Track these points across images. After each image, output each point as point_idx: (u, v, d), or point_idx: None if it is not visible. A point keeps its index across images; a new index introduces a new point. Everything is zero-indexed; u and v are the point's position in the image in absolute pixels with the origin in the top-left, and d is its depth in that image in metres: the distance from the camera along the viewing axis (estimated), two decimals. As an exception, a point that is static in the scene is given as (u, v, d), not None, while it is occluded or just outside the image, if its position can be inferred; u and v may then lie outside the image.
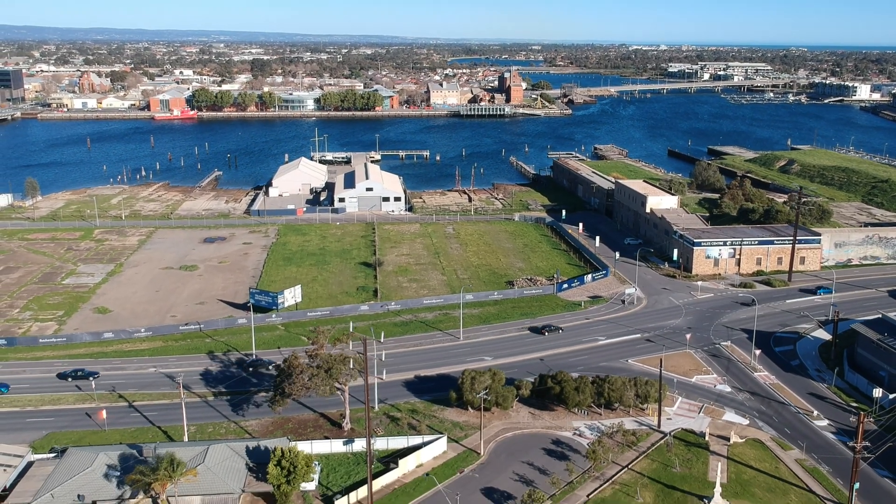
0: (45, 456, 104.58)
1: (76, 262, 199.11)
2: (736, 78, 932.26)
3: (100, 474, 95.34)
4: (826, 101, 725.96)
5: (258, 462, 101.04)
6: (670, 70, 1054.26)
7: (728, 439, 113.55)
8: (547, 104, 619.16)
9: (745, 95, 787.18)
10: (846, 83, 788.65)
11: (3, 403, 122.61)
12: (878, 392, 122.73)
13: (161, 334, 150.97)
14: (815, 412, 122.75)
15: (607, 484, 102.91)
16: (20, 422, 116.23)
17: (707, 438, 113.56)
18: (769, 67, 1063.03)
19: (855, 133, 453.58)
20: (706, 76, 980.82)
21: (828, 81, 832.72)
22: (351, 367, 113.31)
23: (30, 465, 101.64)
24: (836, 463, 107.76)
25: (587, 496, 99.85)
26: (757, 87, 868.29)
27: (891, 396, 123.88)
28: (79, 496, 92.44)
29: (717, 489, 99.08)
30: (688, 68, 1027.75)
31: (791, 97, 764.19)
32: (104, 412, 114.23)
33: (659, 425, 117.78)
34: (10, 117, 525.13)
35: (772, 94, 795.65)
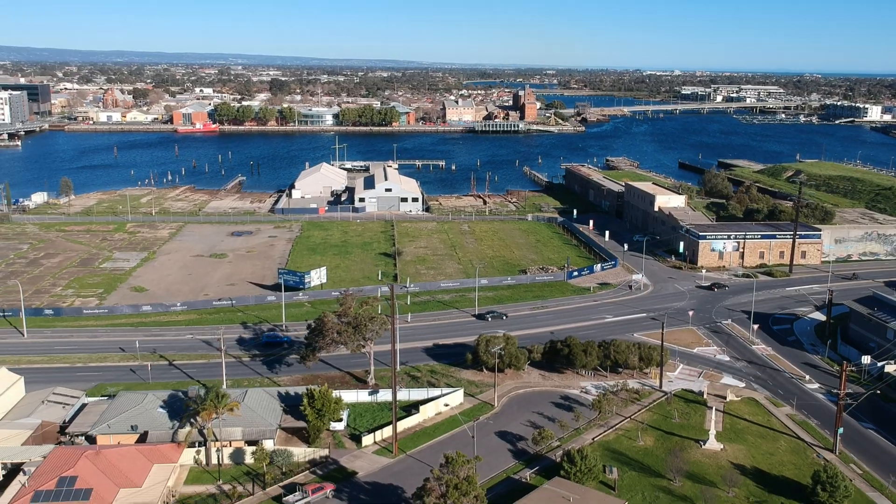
0: (97, 399, 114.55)
1: (111, 250, 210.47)
2: (748, 100, 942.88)
3: (150, 409, 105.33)
4: (837, 121, 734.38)
5: (291, 405, 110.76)
6: (683, 92, 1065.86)
7: (724, 398, 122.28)
8: (560, 121, 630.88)
9: (756, 116, 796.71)
10: (857, 105, 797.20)
11: (55, 360, 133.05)
12: (866, 360, 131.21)
13: (196, 308, 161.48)
14: (807, 377, 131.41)
15: (611, 430, 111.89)
16: (71, 375, 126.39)
17: (705, 396, 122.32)
18: (782, 91, 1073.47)
19: (863, 149, 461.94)
20: (719, 98, 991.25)
21: (839, 103, 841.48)
22: (377, 325, 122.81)
23: (84, 406, 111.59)
24: (824, 418, 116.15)
25: (592, 439, 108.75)
26: (769, 108, 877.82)
27: (879, 364, 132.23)
28: (132, 426, 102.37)
29: (712, 432, 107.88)
30: (701, 91, 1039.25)
31: (802, 118, 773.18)
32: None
33: (661, 386, 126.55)
34: (38, 129, 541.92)
35: (783, 116, 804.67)
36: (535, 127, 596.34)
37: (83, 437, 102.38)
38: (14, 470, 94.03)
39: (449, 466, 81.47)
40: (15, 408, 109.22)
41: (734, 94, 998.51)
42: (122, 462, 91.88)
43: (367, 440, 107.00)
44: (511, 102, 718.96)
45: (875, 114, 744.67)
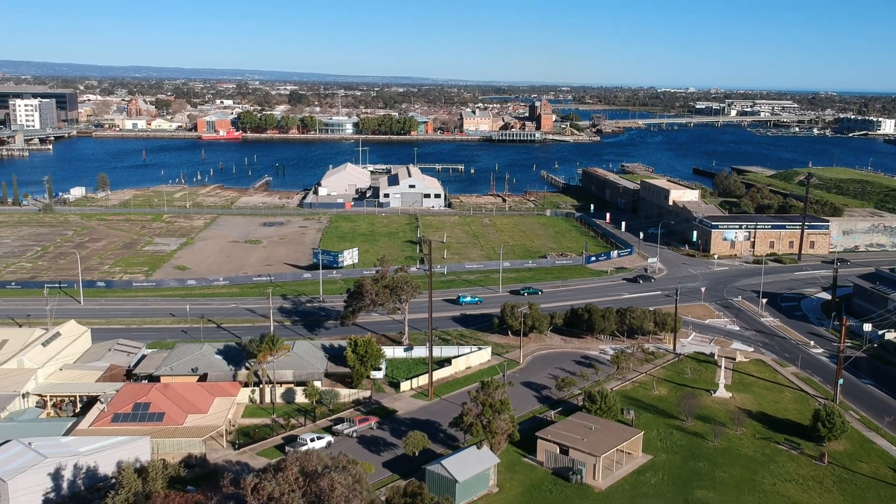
0: (157, 350, 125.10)
1: (151, 236, 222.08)
2: (762, 114, 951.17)
3: (208, 355, 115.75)
4: (850, 134, 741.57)
5: (334, 355, 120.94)
6: (697, 107, 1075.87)
7: (734, 359, 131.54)
8: (576, 132, 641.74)
9: (770, 129, 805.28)
10: (871, 118, 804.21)
11: (112, 322, 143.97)
12: (867, 327, 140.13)
13: (237, 283, 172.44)
14: (812, 342, 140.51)
15: (628, 382, 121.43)
16: (128, 334, 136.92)
17: (716, 357, 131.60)
18: (796, 106, 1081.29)
19: (875, 157, 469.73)
20: (733, 112, 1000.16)
21: (853, 117, 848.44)
22: (412, 288, 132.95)
23: (144, 356, 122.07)
24: (826, 375, 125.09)
25: (611, 389, 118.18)
26: (783, 122, 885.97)
27: (879, 332, 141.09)
28: (192, 369, 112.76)
29: (721, 383, 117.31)
30: (715, 106, 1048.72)
31: (816, 131, 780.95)
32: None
33: (674, 349, 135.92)
34: (67, 135, 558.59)
35: (797, 129, 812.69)
36: (550, 136, 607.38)
37: (147, 379, 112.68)
38: (91, 401, 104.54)
39: (485, 389, 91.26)
40: (85, 354, 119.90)
41: (748, 109, 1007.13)
42: (188, 393, 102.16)
43: (405, 386, 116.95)
44: (527, 114, 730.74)
45: (889, 127, 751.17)
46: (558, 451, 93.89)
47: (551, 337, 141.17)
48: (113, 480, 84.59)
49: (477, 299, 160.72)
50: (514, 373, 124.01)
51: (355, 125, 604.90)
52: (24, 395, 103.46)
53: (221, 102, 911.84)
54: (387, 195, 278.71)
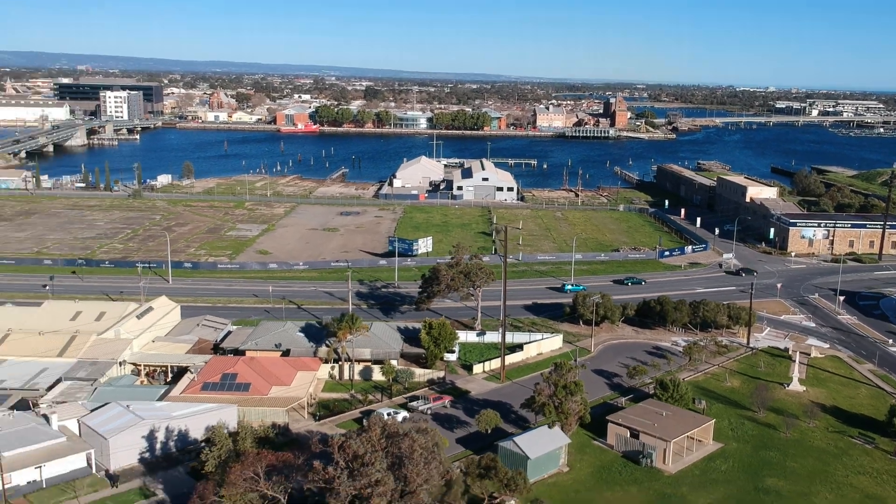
0: (242, 326, 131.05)
1: (234, 222, 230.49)
2: (845, 114, 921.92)
3: (291, 332, 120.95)
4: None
5: (409, 337, 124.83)
6: (777, 106, 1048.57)
7: (809, 354, 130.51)
8: (651, 129, 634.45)
9: (853, 129, 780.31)
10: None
11: (199, 300, 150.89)
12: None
13: (316, 268, 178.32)
14: (890, 341, 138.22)
15: (700, 373, 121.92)
16: (214, 311, 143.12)
17: (790, 352, 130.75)
18: (881, 106, 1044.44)
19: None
20: (814, 112, 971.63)
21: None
22: (486, 274, 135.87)
23: (230, 332, 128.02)
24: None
25: (682, 379, 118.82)
26: (867, 123, 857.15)
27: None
28: (276, 345, 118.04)
29: (795, 376, 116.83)
30: (796, 105, 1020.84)
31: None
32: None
33: (748, 343, 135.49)
34: (153, 125, 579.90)
35: (882, 129, 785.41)
36: (625, 133, 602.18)
37: (233, 353, 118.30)
38: (181, 371, 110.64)
39: (558, 370, 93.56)
40: (175, 328, 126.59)
41: (830, 109, 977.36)
42: (272, 367, 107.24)
43: (478, 369, 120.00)
44: (601, 111, 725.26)
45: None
46: (629, 435, 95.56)
47: (622, 327, 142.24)
48: (202, 444, 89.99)
49: (581, 287, 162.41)
50: (585, 361, 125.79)
51: (429, 120, 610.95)
52: (120, 363, 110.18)
53: (299, 97, 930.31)
54: (460, 187, 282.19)
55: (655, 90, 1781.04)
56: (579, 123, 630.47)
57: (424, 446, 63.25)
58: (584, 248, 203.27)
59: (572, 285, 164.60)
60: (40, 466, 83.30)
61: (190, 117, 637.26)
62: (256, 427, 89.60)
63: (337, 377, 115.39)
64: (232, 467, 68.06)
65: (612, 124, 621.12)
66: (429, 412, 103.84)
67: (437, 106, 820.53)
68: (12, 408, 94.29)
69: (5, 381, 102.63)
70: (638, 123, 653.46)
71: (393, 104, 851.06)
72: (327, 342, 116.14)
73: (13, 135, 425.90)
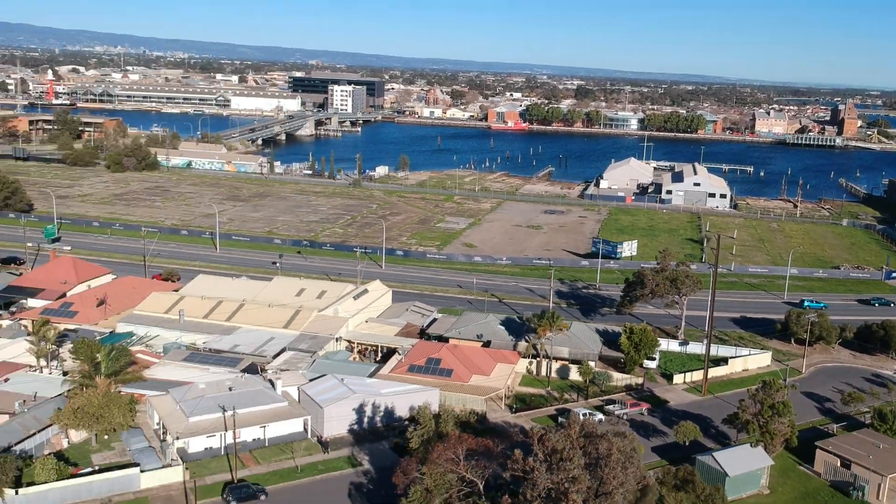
0: (446, 315, 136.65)
1: (443, 214, 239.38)
2: None
3: (492, 324, 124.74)
4: None
5: (608, 339, 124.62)
6: None
7: None
8: (884, 139, 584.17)
9: None
10: None
11: (407, 286, 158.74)
12: None
13: (518, 264, 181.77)
14: None
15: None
16: (419, 298, 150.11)
17: None
18: None
19: None
20: None
21: None
22: (692, 281, 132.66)
23: (435, 319, 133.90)
24: None
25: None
26: None
27: None
28: (478, 335, 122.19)
29: None
30: None
31: None
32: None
33: None
34: (373, 119, 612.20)
35: None
36: (853, 143, 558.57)
37: (437, 339, 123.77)
38: (390, 352, 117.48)
39: (766, 388, 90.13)
40: (386, 311, 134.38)
41: None
42: (473, 356, 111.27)
43: (678, 379, 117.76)
44: (828, 117, 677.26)
45: None
46: (839, 464, 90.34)
47: (839, 350, 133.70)
48: (406, 422, 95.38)
49: (822, 304, 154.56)
50: (795, 381, 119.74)
51: (640, 121, 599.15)
52: (337, 339, 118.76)
53: (511, 95, 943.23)
54: (669, 192, 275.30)
55: (892, 97, 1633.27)
56: (802, 130, 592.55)
57: (622, 450, 63.81)
58: (801, 263, 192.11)
59: (812, 301, 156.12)
60: (265, 426, 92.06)
61: (407, 112, 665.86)
62: (458, 412, 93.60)
63: (534, 373, 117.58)
64: (435, 447, 72.02)
65: (840, 132, 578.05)
66: (625, 417, 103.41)
67: (650, 107, 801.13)
68: (244, 371, 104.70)
69: (239, 346, 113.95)
70: (869, 133, 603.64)
71: (604, 104, 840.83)
72: (527, 337, 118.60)
73: (252, 123, 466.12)
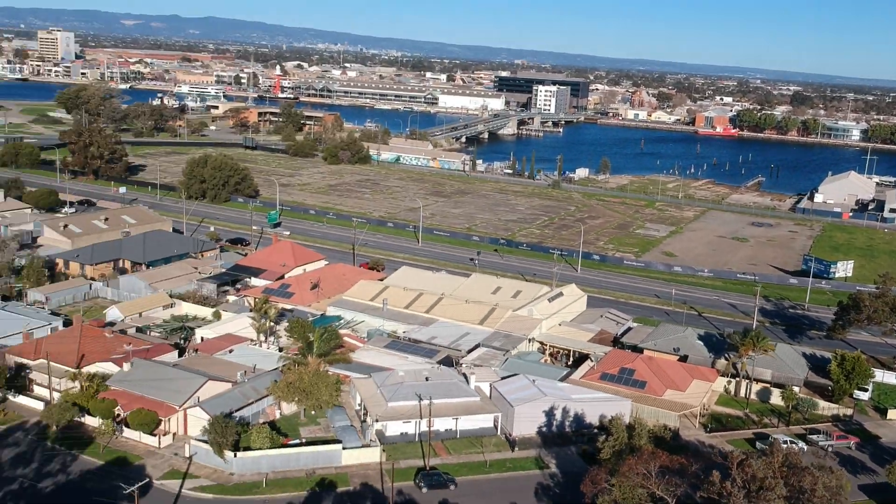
0: (642, 325, 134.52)
1: (643, 220, 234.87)
2: None
3: (690, 339, 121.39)
4: None
5: (815, 365, 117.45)
6: None
7: None
8: None
9: None
10: None
11: (603, 292, 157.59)
12: None
13: (721, 277, 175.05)
14: None
15: None
16: (615, 305, 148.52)
17: None
18: None
19: None
20: None
21: None
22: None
23: (630, 328, 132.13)
24: None
25: None
26: None
27: None
28: (674, 349, 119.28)
29: None
30: None
31: None
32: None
33: None
34: (575, 120, 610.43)
35: None
36: None
37: (631, 349, 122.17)
38: (581, 357, 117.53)
39: None
40: (580, 316, 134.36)
41: None
42: (668, 369, 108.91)
43: (893, 414, 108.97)
44: None
45: None
46: None
47: None
48: (595, 430, 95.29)
49: None
50: None
51: (863, 132, 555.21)
52: (529, 340, 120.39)
53: (721, 99, 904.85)
54: (893, 210, 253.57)
55: None
56: None
57: (828, 485, 60.51)
58: None
59: None
60: (457, 418, 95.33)
61: (611, 114, 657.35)
62: (651, 426, 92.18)
63: (732, 393, 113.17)
64: (626, 460, 71.64)
65: None
66: (830, 449, 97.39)
67: (875, 117, 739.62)
68: (439, 362, 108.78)
69: (436, 337, 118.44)
70: None
71: (822, 112, 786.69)
72: (727, 355, 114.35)
73: (457, 121, 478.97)
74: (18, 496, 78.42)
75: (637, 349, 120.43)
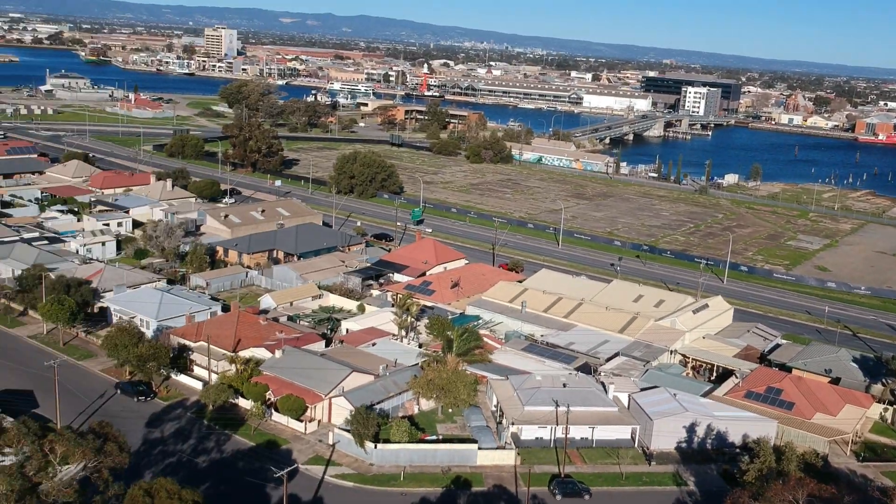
0: (791, 342, 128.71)
1: (795, 231, 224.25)
2: None
3: (843, 361, 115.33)
4: None
5: None
6: None
7: None
8: None
9: None
10: None
11: (749, 305, 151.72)
12: None
13: (879, 296, 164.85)
14: None
15: None
16: (761, 319, 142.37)
17: None
18: None
19: None
20: None
21: None
22: None
23: (778, 345, 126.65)
24: None
25: None
26: None
27: None
28: (826, 370, 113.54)
29: None
30: None
31: None
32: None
33: None
34: (725, 123, 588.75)
35: None
36: None
37: (779, 367, 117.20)
38: (725, 373, 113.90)
39: None
40: (725, 329, 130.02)
41: None
42: (819, 391, 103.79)
43: None
44: None
45: None
46: None
47: None
48: (737, 450, 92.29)
49: None
50: None
51: None
52: (671, 352, 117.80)
53: (885, 104, 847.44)
54: None
55: None
56: None
57: None
58: None
59: None
60: (593, 427, 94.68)
61: (763, 118, 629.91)
62: (801, 451, 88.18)
63: (889, 421, 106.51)
64: (772, 485, 69.12)
65: None
66: None
67: None
68: (577, 369, 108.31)
69: (574, 343, 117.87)
70: None
71: None
72: (885, 380, 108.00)
73: (602, 122, 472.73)
74: (177, 469, 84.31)
75: (785, 368, 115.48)
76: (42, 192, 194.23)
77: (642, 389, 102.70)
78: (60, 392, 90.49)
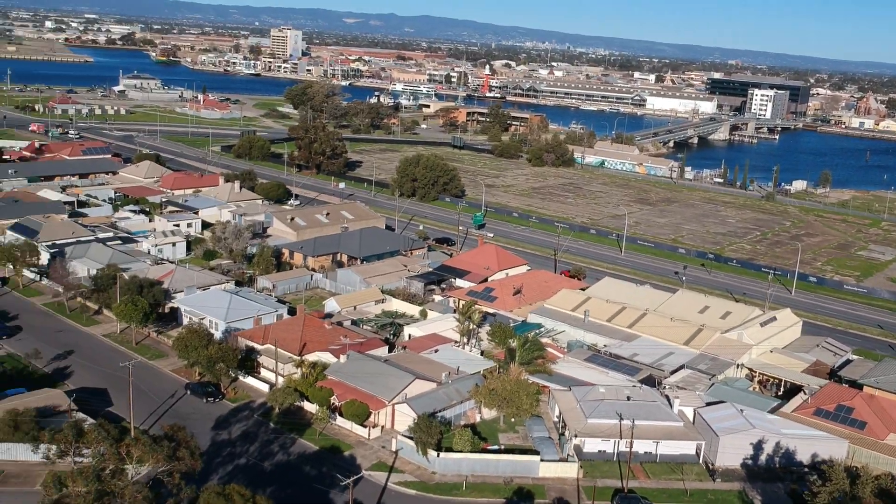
0: (862, 358, 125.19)
1: (866, 241, 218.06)
2: None
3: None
4: None
5: None
6: None
7: None
8: None
9: None
10: None
11: (818, 318, 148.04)
12: None
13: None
14: None
15: None
16: (834, 334, 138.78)
17: None
18: None
19: None
20: None
21: None
22: None
23: (849, 360, 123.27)
24: None
25: None
26: None
27: None
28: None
29: None
30: None
31: None
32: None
33: None
34: (793, 126, 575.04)
35: None
36: None
37: (850, 384, 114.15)
38: (794, 389, 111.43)
39: None
40: (793, 343, 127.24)
41: None
42: (893, 411, 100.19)
43: None
44: None
45: None
46: None
47: None
48: (805, 469, 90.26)
49: None
50: None
51: None
52: (738, 365, 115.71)
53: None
54: None
55: None
56: None
57: None
58: None
59: None
60: (657, 442, 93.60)
61: (833, 121, 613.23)
62: (876, 475, 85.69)
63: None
64: (844, 508, 67.38)
65: None
66: None
67: None
68: (641, 381, 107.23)
69: (638, 355, 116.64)
70: None
71: None
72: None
73: (666, 124, 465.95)
74: (244, 471, 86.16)
75: (856, 385, 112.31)
76: (115, 193, 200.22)
77: (708, 404, 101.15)
78: (133, 391, 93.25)
